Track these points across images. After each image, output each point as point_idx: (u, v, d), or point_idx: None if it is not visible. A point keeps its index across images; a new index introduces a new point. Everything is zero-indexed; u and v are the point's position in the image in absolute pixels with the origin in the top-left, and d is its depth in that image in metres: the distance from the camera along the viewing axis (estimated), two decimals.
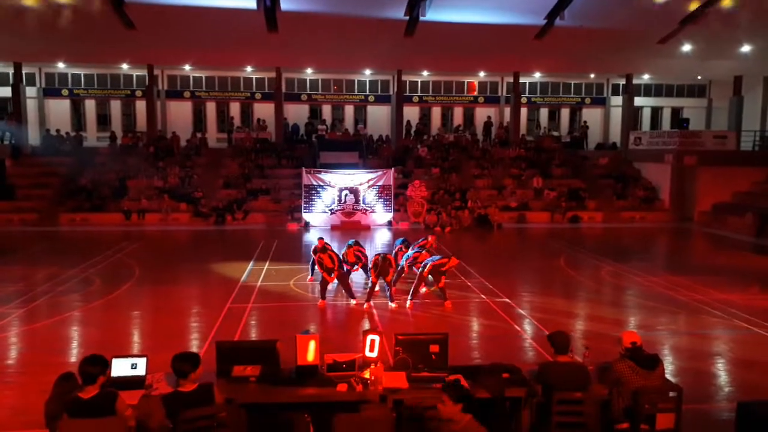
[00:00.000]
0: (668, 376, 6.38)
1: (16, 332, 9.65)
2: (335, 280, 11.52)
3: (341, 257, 11.83)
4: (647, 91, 33.32)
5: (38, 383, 6.55)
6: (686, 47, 23.95)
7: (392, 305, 11.12)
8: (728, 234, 21.92)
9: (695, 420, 6.25)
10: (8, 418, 6.51)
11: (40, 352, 8.69)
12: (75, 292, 12.25)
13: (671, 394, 5.30)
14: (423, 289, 11.84)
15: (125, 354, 6.00)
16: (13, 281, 13.11)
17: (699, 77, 32.40)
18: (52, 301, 11.47)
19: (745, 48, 24.14)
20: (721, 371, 8.24)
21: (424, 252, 11.94)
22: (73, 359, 8.29)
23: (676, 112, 33.54)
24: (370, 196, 23.62)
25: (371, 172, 24.25)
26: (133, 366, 5.55)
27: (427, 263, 11.14)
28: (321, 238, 12.08)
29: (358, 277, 12.67)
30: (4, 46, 24.99)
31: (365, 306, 11.08)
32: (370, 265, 11.60)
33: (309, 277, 13.20)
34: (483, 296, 12.05)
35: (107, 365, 4.96)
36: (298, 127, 31.09)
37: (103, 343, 8.71)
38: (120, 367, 5.48)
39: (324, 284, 11.42)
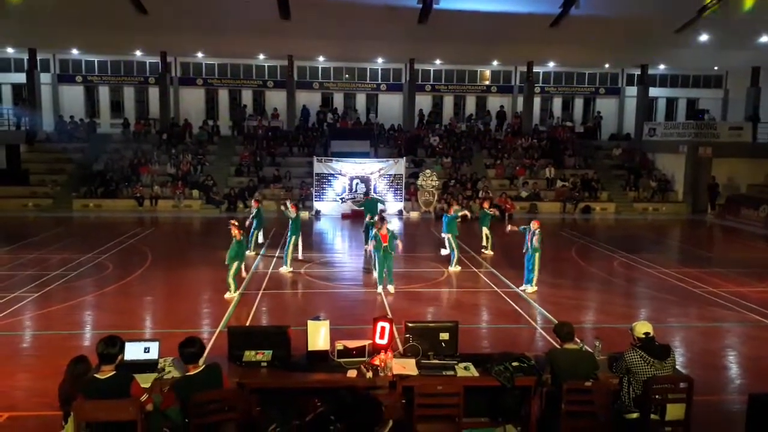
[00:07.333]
0: (679, 368, 6.35)
1: (31, 316, 9.77)
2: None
3: None
4: (662, 81, 32.84)
5: (52, 366, 6.62)
6: (703, 37, 23.57)
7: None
8: (742, 226, 21.69)
9: (706, 411, 6.21)
10: (23, 400, 6.62)
11: (54, 335, 8.81)
12: (88, 277, 12.39)
13: (682, 384, 5.28)
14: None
15: (138, 338, 6.06)
16: (27, 266, 13.26)
17: (716, 68, 31.91)
18: (66, 286, 11.60)
19: (764, 38, 23.72)
20: (733, 363, 8.19)
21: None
22: (86, 343, 8.39)
23: (691, 102, 33.05)
24: (381, 185, 23.60)
25: (382, 161, 24.22)
26: (146, 350, 5.62)
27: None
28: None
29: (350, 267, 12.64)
30: (19, 32, 25.11)
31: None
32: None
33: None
34: (493, 285, 12.04)
35: (124, 346, 5.02)
36: (309, 111, 30.87)
37: (116, 327, 8.81)
38: (133, 351, 5.54)
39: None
